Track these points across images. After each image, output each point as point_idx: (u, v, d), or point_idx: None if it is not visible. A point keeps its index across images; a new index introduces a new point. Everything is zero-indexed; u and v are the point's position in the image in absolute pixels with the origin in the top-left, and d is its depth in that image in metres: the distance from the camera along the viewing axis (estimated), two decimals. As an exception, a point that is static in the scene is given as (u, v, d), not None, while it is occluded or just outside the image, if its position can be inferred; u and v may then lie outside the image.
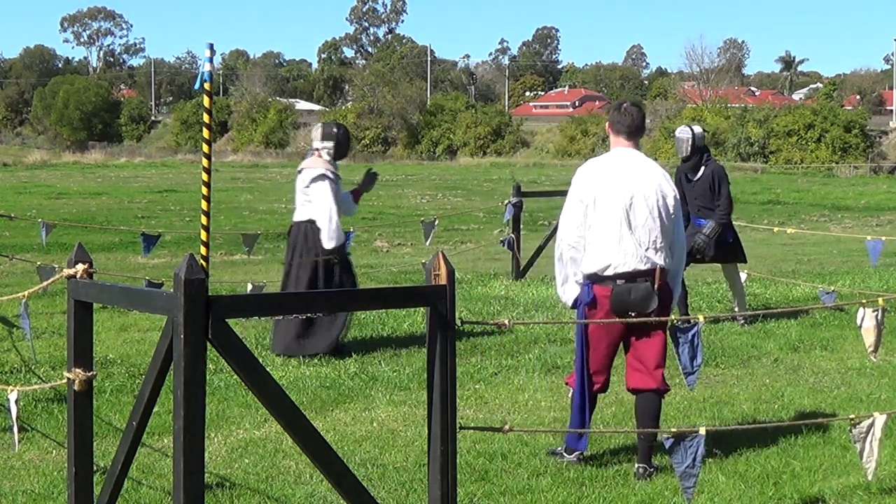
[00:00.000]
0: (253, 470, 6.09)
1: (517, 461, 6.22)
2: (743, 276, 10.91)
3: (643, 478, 5.93)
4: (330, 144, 9.33)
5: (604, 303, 5.99)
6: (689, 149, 10.54)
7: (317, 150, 9.40)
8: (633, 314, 5.93)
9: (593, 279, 6.01)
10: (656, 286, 5.95)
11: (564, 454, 6.29)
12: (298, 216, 9.41)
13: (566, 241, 6.11)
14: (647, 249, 5.97)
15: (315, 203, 9.23)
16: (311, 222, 9.25)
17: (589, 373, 6.11)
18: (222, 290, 12.37)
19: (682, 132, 10.61)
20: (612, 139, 6.28)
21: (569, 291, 6.17)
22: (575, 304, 6.16)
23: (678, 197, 6.20)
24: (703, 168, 10.57)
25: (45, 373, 8.39)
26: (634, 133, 6.23)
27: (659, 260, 6.00)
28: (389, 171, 57.21)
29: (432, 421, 4.27)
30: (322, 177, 9.24)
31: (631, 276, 5.94)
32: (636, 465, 6.05)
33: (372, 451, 6.43)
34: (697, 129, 10.68)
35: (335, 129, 9.44)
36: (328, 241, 9.19)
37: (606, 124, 6.34)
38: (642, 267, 5.95)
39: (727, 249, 10.75)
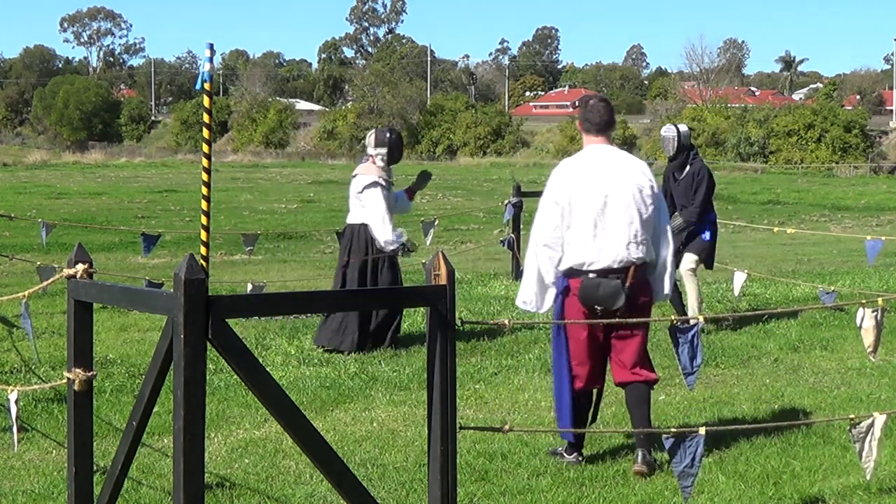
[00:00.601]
0: (253, 470, 6.09)
1: (517, 461, 6.22)
2: (742, 276, 10.86)
3: (644, 462, 5.96)
4: (383, 151, 9.63)
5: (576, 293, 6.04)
6: (675, 147, 10.43)
7: (370, 156, 9.69)
8: (599, 309, 5.95)
9: (568, 274, 6.05)
10: (628, 284, 5.95)
11: (564, 454, 6.29)
12: (352, 219, 9.73)
13: (541, 241, 6.09)
14: (626, 246, 5.98)
15: (368, 209, 9.56)
16: (364, 225, 9.60)
17: (570, 365, 6.10)
18: (222, 290, 12.37)
19: (668, 131, 10.54)
20: (584, 137, 6.29)
21: (544, 297, 6.13)
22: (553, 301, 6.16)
23: (656, 188, 6.17)
24: (688, 167, 10.47)
25: (45, 373, 8.40)
26: (605, 128, 6.21)
27: (637, 255, 6.00)
28: (389, 171, 57.12)
29: (432, 421, 4.27)
30: (374, 184, 9.53)
31: (603, 273, 5.95)
32: (637, 451, 6.03)
33: (372, 451, 6.43)
34: (683, 127, 10.59)
35: (388, 135, 9.73)
36: (386, 245, 9.56)
37: (577, 123, 6.33)
38: (616, 266, 5.96)
39: (700, 246, 10.45)
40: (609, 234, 5.97)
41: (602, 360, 6.22)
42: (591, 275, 5.96)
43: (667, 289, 6.22)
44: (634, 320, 5.95)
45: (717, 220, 10.81)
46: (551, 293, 6.13)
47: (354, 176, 9.75)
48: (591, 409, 6.35)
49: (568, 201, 6.03)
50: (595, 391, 6.32)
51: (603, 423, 6.98)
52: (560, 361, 6.14)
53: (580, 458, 6.24)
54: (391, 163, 9.69)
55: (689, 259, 10.45)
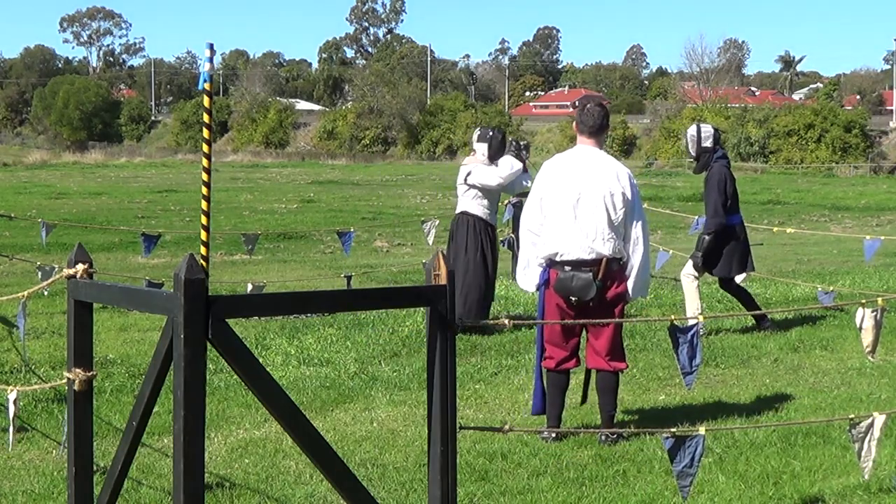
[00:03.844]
0: (253, 470, 6.09)
1: (517, 461, 6.22)
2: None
3: (606, 443, 6.49)
4: (483, 147, 10.41)
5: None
6: (694, 148, 10.16)
7: (474, 150, 10.55)
8: (573, 299, 6.53)
9: (549, 264, 6.63)
10: (599, 276, 6.49)
11: (550, 436, 6.61)
12: (459, 208, 10.57)
13: (525, 226, 6.78)
14: (593, 240, 6.52)
15: (482, 180, 10.25)
16: (465, 213, 10.40)
17: (543, 346, 6.74)
18: (222, 290, 12.37)
19: (690, 130, 10.27)
20: (578, 137, 6.81)
21: (528, 276, 6.77)
22: (536, 289, 6.76)
23: (629, 194, 6.61)
24: (708, 169, 10.14)
25: (45, 373, 8.40)
26: (597, 132, 6.74)
27: (606, 251, 6.53)
28: (389, 171, 57.20)
29: (432, 421, 4.26)
30: (475, 167, 10.36)
31: (576, 265, 6.52)
32: (600, 434, 6.57)
33: (372, 451, 6.43)
34: (706, 127, 10.25)
35: (490, 133, 10.51)
36: (495, 179, 10.30)
37: (573, 124, 6.87)
38: (586, 257, 6.52)
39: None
40: (579, 229, 6.52)
41: (574, 345, 6.77)
42: (566, 267, 6.53)
43: (636, 291, 6.74)
44: (618, 319, 6.61)
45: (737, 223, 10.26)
46: (534, 273, 6.72)
47: (462, 166, 10.59)
48: (582, 392, 6.93)
49: (547, 193, 6.66)
50: (585, 374, 6.89)
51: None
52: (540, 344, 6.78)
53: (552, 436, 6.59)
54: (493, 158, 10.35)
55: (688, 266, 10.27)
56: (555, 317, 6.64)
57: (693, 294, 10.24)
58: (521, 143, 10.75)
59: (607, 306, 6.60)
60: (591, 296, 6.48)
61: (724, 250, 10.18)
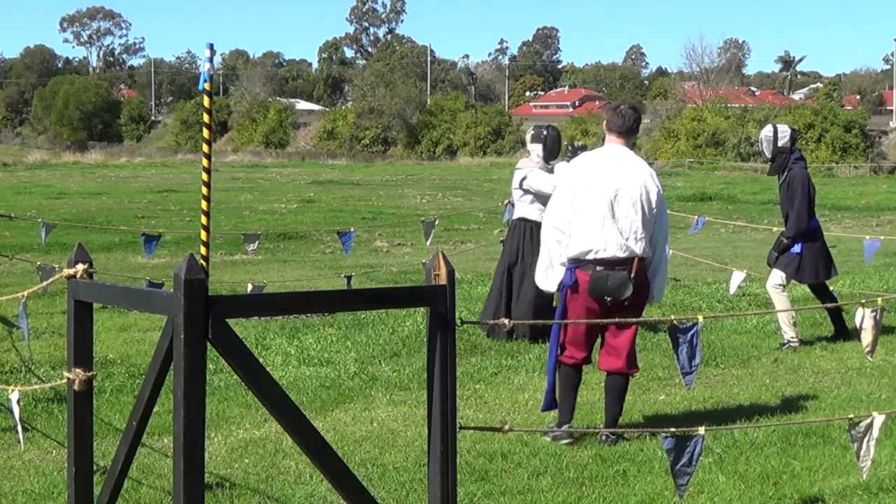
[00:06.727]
0: (253, 470, 6.09)
1: (517, 461, 6.22)
2: (741, 275, 10.82)
3: (606, 443, 6.48)
4: (538, 147, 9.96)
5: (584, 286, 6.50)
6: (770, 149, 9.78)
7: (529, 151, 10.12)
8: (608, 299, 6.43)
9: (576, 263, 6.51)
10: (633, 275, 6.42)
11: (560, 435, 6.56)
12: (517, 213, 10.18)
13: (553, 223, 6.62)
14: (627, 239, 6.46)
15: (535, 186, 9.80)
16: (522, 219, 10.01)
17: (564, 344, 6.66)
18: (222, 290, 12.37)
19: (765, 131, 9.91)
20: (606, 137, 6.80)
21: (551, 277, 6.66)
22: (558, 289, 6.66)
23: (661, 194, 6.65)
24: (786, 171, 9.75)
25: (45, 373, 8.39)
26: (626, 133, 6.73)
27: (638, 250, 6.49)
28: (389, 171, 57.23)
29: (432, 421, 4.26)
30: (532, 171, 9.89)
31: (610, 263, 6.43)
32: (601, 433, 6.54)
33: (372, 451, 6.43)
34: (783, 128, 9.89)
35: (544, 133, 10.03)
36: (551, 187, 9.65)
37: (604, 122, 6.86)
38: (621, 255, 6.44)
39: (786, 261, 9.77)
40: (616, 226, 6.44)
41: (593, 344, 6.77)
42: (598, 267, 6.42)
43: (658, 292, 6.75)
44: (633, 320, 6.47)
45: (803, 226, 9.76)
46: (558, 273, 6.60)
47: (517, 169, 10.15)
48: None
49: (580, 189, 6.53)
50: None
51: (602, 422, 6.98)
52: (555, 340, 6.70)
53: (570, 433, 6.53)
54: (548, 158, 9.99)
55: (774, 275, 9.82)
56: (580, 318, 6.54)
57: (784, 304, 9.76)
58: (578, 144, 10.05)
59: (635, 306, 6.54)
60: (628, 294, 6.39)
61: (809, 256, 9.79)
